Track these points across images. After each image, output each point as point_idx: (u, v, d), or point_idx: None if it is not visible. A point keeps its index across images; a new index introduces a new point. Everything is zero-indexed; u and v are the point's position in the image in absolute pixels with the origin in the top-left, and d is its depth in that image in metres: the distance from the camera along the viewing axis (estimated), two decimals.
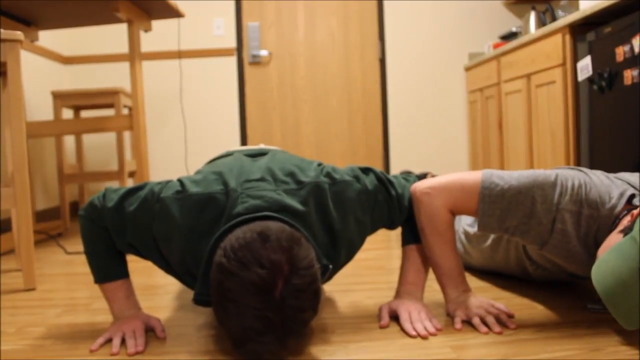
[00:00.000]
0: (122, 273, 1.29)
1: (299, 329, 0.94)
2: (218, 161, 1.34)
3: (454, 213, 1.30)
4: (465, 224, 1.74)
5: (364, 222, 1.24)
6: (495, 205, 1.23)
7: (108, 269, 1.27)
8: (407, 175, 1.38)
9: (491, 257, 1.63)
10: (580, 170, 1.24)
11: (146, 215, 1.17)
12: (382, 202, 1.27)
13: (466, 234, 1.72)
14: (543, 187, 1.19)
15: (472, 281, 1.66)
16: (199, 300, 1.11)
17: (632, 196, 1.18)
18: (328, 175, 1.21)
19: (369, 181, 1.26)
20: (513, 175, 1.24)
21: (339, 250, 1.20)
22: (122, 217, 1.20)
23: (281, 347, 0.94)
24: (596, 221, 1.19)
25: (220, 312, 0.95)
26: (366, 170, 1.29)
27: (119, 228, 1.21)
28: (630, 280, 0.95)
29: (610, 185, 1.21)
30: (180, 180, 1.19)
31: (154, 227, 1.16)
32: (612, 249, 1.02)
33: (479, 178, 1.26)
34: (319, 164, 1.26)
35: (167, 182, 1.20)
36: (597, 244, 1.21)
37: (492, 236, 1.59)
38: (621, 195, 1.18)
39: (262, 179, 1.16)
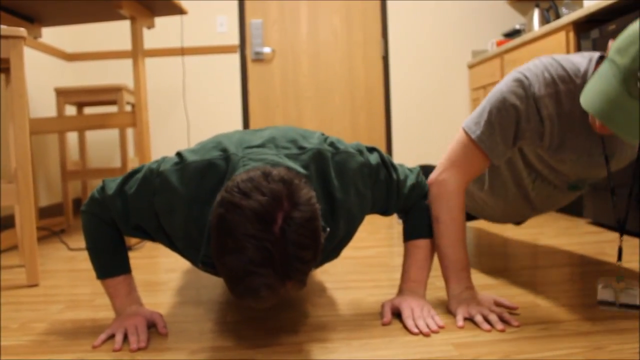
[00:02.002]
0: (124, 269, 1.29)
1: (298, 266, 0.90)
2: (218, 134, 1.33)
3: (467, 187, 1.35)
4: None
5: (365, 196, 1.22)
6: (493, 136, 1.29)
7: (110, 264, 1.27)
8: (411, 168, 1.38)
9: (490, 187, 1.66)
10: (548, 57, 1.30)
11: (147, 193, 1.16)
12: (382, 181, 1.27)
13: None
14: (511, 90, 1.27)
15: (478, 278, 1.66)
16: (205, 263, 1.09)
17: (601, 57, 1.23)
18: (332, 144, 1.20)
19: (373, 158, 1.26)
20: (484, 106, 1.32)
21: (338, 221, 1.18)
22: (124, 201, 1.20)
23: (279, 283, 0.89)
24: (575, 95, 1.24)
25: (218, 250, 0.92)
26: (371, 149, 1.29)
27: (123, 213, 1.20)
28: (617, 96, 1.01)
29: (576, 58, 1.27)
30: (178, 153, 1.18)
31: (156, 202, 1.14)
32: (594, 76, 1.08)
33: (463, 134, 1.34)
34: (323, 134, 1.25)
35: (164, 158, 1.20)
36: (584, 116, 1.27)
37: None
38: (590, 60, 1.24)
39: (262, 145, 1.15)
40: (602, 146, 1.31)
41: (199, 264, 1.10)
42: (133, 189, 1.19)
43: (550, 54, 1.30)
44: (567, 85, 1.24)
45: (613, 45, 1.05)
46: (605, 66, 1.05)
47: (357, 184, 1.20)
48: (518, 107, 1.26)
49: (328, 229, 1.07)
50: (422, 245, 1.36)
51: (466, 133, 1.34)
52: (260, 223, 0.87)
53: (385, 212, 1.35)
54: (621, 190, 2.24)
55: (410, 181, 1.33)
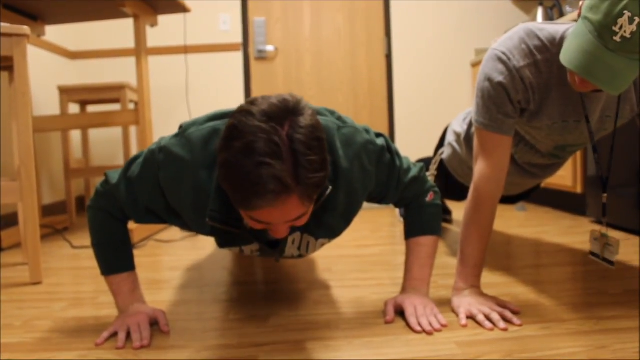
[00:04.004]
0: (129, 266, 1.29)
1: (307, 166, 0.89)
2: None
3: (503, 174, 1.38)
4: (454, 129, 1.90)
5: (369, 172, 1.20)
6: (494, 116, 1.33)
7: (115, 261, 1.28)
8: (415, 163, 1.37)
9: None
10: (524, 27, 1.32)
11: (152, 171, 1.15)
12: (385, 164, 1.25)
13: (457, 135, 1.85)
14: (493, 68, 1.31)
15: (482, 277, 1.65)
16: (213, 217, 1.09)
17: None
18: (339, 119, 1.21)
19: (379, 140, 1.25)
20: (476, 92, 1.37)
21: (339, 189, 1.16)
22: (130, 186, 1.20)
23: (288, 178, 0.87)
24: (552, 63, 1.28)
25: (227, 156, 0.90)
26: (378, 134, 1.29)
27: (130, 199, 1.20)
28: (595, 51, 1.04)
29: (554, 26, 1.29)
30: (180, 125, 1.19)
31: (161, 178, 1.14)
32: (570, 35, 1.11)
33: (475, 127, 1.38)
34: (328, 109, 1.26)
35: (162, 137, 1.19)
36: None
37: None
38: (567, 29, 1.26)
39: None
40: (581, 108, 1.34)
41: (207, 219, 1.09)
42: (137, 172, 1.18)
43: (527, 23, 1.32)
44: (544, 55, 1.28)
45: (585, 4, 1.08)
46: (580, 24, 1.09)
47: (362, 159, 1.18)
48: (503, 82, 1.29)
49: (330, 188, 1.07)
50: (424, 242, 1.35)
51: (476, 125, 1.38)
52: (269, 120, 0.88)
53: (382, 199, 1.33)
54: (623, 190, 2.23)
55: (412, 173, 1.32)
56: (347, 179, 1.16)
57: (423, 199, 1.36)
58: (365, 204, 3.64)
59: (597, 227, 1.42)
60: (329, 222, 1.21)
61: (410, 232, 1.37)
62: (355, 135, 1.18)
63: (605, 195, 1.37)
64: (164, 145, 1.14)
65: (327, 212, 1.18)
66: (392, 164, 1.27)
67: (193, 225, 1.18)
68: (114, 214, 1.25)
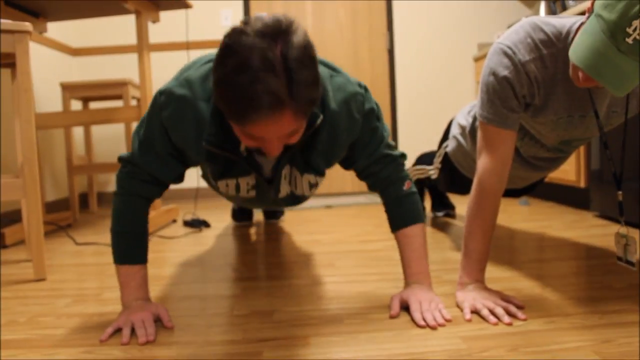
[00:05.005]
0: (142, 258, 1.31)
1: (300, 81, 0.92)
2: None
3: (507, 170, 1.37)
4: (459, 122, 1.89)
5: (356, 120, 1.23)
6: (499, 110, 1.31)
7: (130, 251, 1.29)
8: (399, 150, 1.40)
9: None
10: (530, 21, 1.31)
11: (156, 116, 1.19)
12: (369, 125, 1.28)
13: (462, 128, 1.85)
14: (498, 63, 1.29)
15: (486, 271, 1.65)
16: (209, 141, 1.12)
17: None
18: (333, 69, 1.23)
19: (373, 104, 1.28)
20: (480, 87, 1.35)
21: (322, 128, 1.19)
22: (144, 144, 1.24)
23: (282, 92, 0.90)
24: (558, 58, 1.26)
25: (222, 73, 0.93)
26: (375, 102, 1.32)
27: (152, 155, 1.24)
28: (606, 51, 1.02)
29: (560, 20, 1.28)
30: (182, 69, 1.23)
31: (164, 118, 1.17)
32: (582, 32, 1.08)
33: (479, 121, 1.37)
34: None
35: (159, 89, 1.23)
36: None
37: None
38: (573, 23, 1.25)
39: None
40: (586, 103, 1.33)
41: (203, 144, 1.13)
42: (144, 128, 1.23)
43: (532, 17, 1.31)
44: (550, 49, 1.26)
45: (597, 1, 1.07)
46: (592, 22, 1.06)
47: (350, 106, 1.21)
48: (508, 77, 1.28)
49: (321, 116, 1.10)
50: (412, 233, 1.36)
51: (480, 120, 1.37)
52: (263, 38, 0.91)
53: (354, 163, 1.35)
54: (630, 183, 2.23)
55: (392, 151, 1.35)
56: (334, 120, 1.19)
57: (400, 187, 1.37)
58: (368, 199, 3.64)
59: (622, 229, 1.40)
60: (310, 159, 1.25)
61: (396, 224, 1.38)
62: (347, 85, 1.21)
63: (621, 193, 1.35)
64: (165, 89, 1.18)
65: (310, 149, 1.22)
66: (377, 129, 1.30)
67: (195, 159, 1.22)
68: (143, 189, 1.28)
